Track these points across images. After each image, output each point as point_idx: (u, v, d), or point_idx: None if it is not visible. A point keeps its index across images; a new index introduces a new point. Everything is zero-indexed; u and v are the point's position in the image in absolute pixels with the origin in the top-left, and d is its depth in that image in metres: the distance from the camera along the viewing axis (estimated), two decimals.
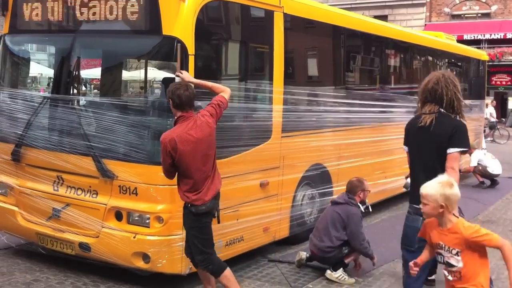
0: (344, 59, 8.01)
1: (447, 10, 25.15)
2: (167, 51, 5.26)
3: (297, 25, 6.81)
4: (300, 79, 7.24)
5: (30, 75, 6.40)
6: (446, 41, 11.94)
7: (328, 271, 5.71)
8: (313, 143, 6.83)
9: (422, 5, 25.01)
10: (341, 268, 5.69)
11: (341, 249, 5.71)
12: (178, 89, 4.45)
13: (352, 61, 8.37)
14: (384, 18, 22.43)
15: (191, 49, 5.02)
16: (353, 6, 23.98)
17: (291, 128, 6.37)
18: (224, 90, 4.76)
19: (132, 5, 5.11)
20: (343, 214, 5.70)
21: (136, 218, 5.08)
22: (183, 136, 4.37)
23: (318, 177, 6.99)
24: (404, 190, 6.01)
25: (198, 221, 4.54)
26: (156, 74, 5.58)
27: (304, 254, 6.05)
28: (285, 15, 6.28)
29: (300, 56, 7.29)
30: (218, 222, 4.74)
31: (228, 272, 4.70)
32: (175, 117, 4.50)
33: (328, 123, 7.22)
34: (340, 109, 7.42)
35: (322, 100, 7.22)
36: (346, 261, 5.76)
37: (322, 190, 7.08)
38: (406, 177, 5.72)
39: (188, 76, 4.78)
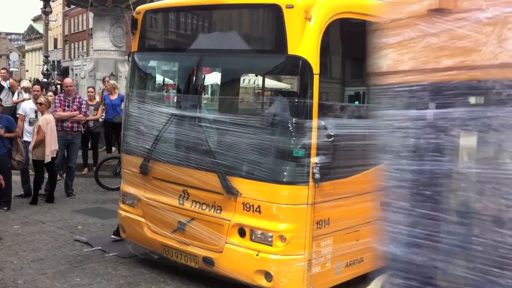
0: None
1: None
2: (291, 70, 5.29)
3: None
4: None
5: (155, 90, 6.66)
6: None
7: None
8: None
9: None
10: None
11: None
12: None
13: None
14: None
15: (316, 68, 5.00)
16: None
17: None
18: None
19: (259, 25, 5.15)
20: None
21: (259, 236, 5.11)
22: None
23: None
24: None
25: None
26: (279, 92, 5.64)
27: None
28: None
29: None
30: None
31: None
32: None
33: None
34: None
35: None
36: None
37: None
38: None
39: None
